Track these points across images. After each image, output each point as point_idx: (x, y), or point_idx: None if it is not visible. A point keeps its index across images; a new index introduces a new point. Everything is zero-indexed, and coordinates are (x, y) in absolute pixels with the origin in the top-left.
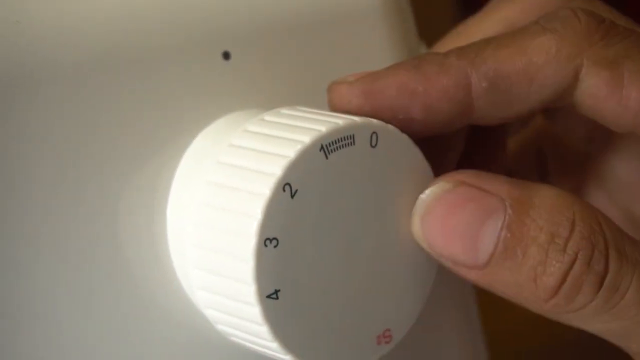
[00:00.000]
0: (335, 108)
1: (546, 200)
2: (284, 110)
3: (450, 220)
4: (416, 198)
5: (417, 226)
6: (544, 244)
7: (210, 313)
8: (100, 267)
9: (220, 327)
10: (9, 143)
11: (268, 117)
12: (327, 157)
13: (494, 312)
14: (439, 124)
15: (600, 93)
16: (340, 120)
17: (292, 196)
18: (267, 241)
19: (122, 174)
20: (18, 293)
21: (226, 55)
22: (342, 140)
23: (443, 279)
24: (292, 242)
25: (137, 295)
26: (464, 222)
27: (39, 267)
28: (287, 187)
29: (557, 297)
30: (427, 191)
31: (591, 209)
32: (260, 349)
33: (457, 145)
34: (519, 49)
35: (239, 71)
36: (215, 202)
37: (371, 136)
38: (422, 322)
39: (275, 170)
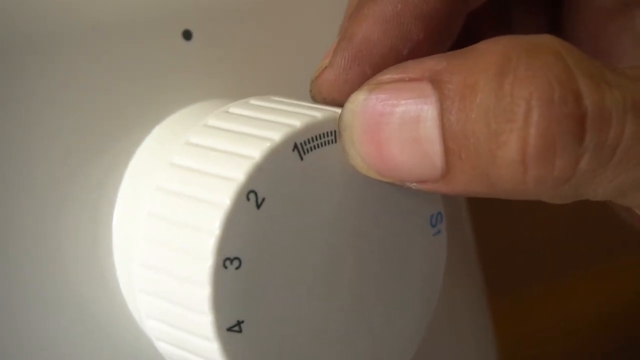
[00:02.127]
0: (330, 99)
1: (481, 58)
2: (254, 101)
3: (382, 135)
4: (413, 205)
5: (354, 157)
6: (487, 111)
7: (162, 347)
8: (37, 288)
9: None
10: None
11: (234, 109)
12: (301, 158)
13: (511, 324)
14: (441, 26)
15: None
16: (318, 112)
17: (258, 206)
18: (227, 262)
19: (60, 178)
20: None
21: (187, 35)
22: (320, 138)
23: (454, 281)
24: (258, 263)
25: (79, 322)
26: (397, 131)
27: None
28: (251, 196)
29: (530, 170)
30: (342, 111)
31: (542, 41)
32: None
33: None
34: None
35: (201, 54)
36: (165, 213)
37: None
38: (430, 335)
39: (237, 174)
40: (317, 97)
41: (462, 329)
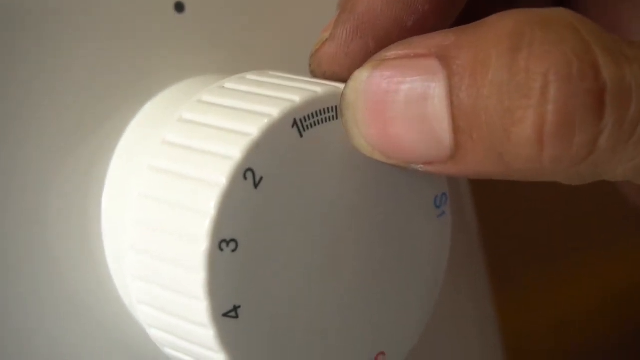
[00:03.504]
0: (331, 73)
1: (491, 32)
2: (250, 76)
3: (387, 114)
4: (418, 185)
5: (357, 138)
6: (500, 87)
7: (154, 333)
8: (23, 271)
9: (167, 350)
10: None
11: (229, 84)
12: (301, 135)
13: (514, 311)
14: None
15: None
16: (318, 87)
17: (256, 186)
18: (223, 244)
19: (46, 159)
20: None
21: (179, 7)
22: (321, 114)
23: (458, 271)
24: (256, 246)
25: (68, 307)
26: (403, 110)
27: None
28: (249, 174)
29: (547, 148)
30: (344, 89)
31: (555, 14)
32: None
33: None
34: None
35: (194, 27)
36: (158, 194)
37: None
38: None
39: (233, 152)
40: (317, 71)
41: (465, 318)
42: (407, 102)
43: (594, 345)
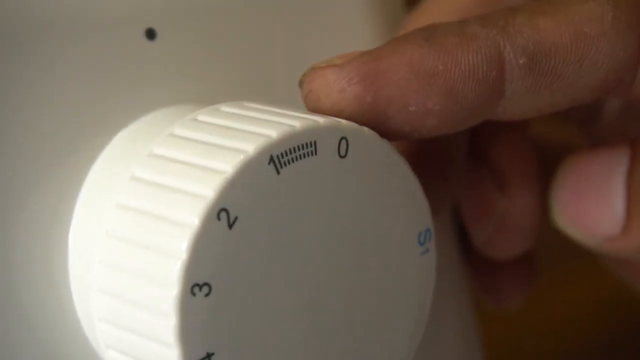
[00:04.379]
0: (319, 102)
1: None
2: (224, 108)
3: (581, 187)
4: (401, 223)
5: (557, 213)
6: None
7: None
8: None
9: None
10: None
11: (202, 116)
12: (278, 172)
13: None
14: (459, 115)
15: None
16: (296, 121)
17: (230, 226)
18: (196, 288)
19: (10, 191)
20: None
21: (150, 34)
22: (299, 150)
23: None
24: (230, 289)
25: (35, 351)
26: (591, 184)
27: None
28: (222, 214)
29: None
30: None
31: None
32: None
33: (462, 144)
34: (564, 16)
35: (166, 54)
36: (127, 233)
37: (339, 143)
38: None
39: (206, 191)
40: (305, 87)
41: (449, 350)
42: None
43: (595, 346)
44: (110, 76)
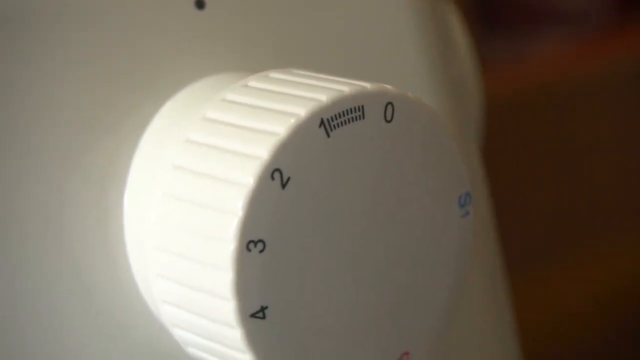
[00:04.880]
0: None
1: None
2: (274, 74)
3: None
4: (442, 185)
5: None
6: None
7: (178, 333)
8: (42, 272)
9: (191, 350)
10: None
11: (253, 82)
12: (328, 135)
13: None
14: None
15: None
16: (345, 86)
17: (283, 186)
18: (251, 244)
19: (65, 159)
20: None
21: (200, 4)
22: (348, 113)
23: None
24: (283, 246)
25: (89, 307)
26: None
27: None
28: (276, 175)
29: None
30: None
31: None
32: None
33: None
34: None
35: (215, 23)
36: (183, 193)
37: (385, 108)
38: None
39: (261, 152)
40: None
41: (483, 317)
42: None
43: (602, 337)
44: (161, 44)
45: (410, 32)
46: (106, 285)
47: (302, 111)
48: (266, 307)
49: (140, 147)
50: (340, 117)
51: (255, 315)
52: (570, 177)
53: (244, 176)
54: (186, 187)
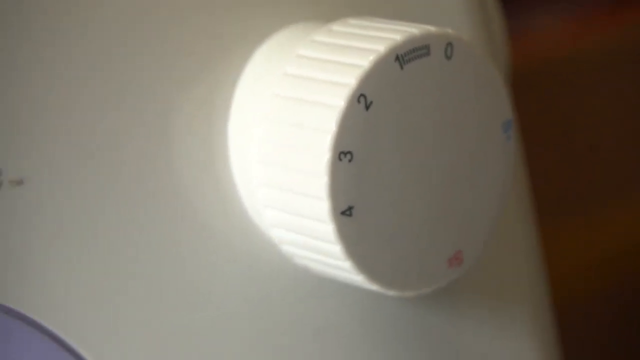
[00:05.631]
0: None
1: None
2: (353, 20)
3: None
4: (489, 113)
5: None
6: None
7: (276, 232)
8: (153, 187)
9: (285, 247)
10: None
11: (336, 27)
12: (402, 68)
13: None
14: None
15: None
16: (414, 29)
17: (367, 108)
18: (342, 155)
19: (178, 85)
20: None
21: None
22: (417, 51)
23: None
24: (367, 157)
25: (194, 215)
26: None
27: (89, 186)
28: (361, 99)
29: None
30: None
31: None
32: (329, 269)
33: None
34: None
35: None
36: (284, 116)
37: (446, 47)
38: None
39: (349, 80)
40: None
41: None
42: None
43: (633, 284)
44: None
45: None
46: (212, 201)
47: (381, 48)
48: (352, 207)
49: (242, 79)
50: (411, 53)
51: (344, 213)
52: (571, 157)
53: (336, 100)
54: (286, 111)
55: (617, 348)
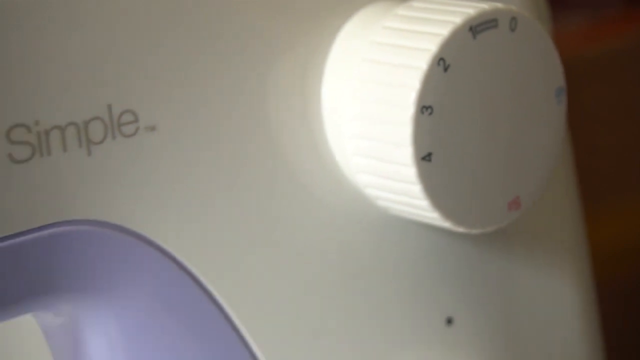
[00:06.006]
0: None
1: None
2: None
3: None
4: (545, 79)
5: None
6: None
7: (363, 178)
8: (252, 147)
9: (369, 190)
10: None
11: (417, 3)
12: (474, 37)
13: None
14: None
15: None
16: (485, 5)
17: (445, 70)
18: (424, 109)
19: (274, 53)
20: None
21: None
22: (487, 23)
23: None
24: (444, 111)
25: (290, 169)
26: None
27: (191, 156)
28: (441, 62)
29: None
30: None
31: None
32: (408, 208)
33: None
34: None
35: None
36: (373, 77)
37: (511, 21)
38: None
39: (430, 46)
40: None
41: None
42: None
43: (633, 283)
44: None
45: None
46: (307, 153)
47: (457, 19)
48: (431, 153)
49: (334, 47)
50: (482, 25)
51: (424, 158)
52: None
53: (419, 62)
54: (375, 72)
55: (618, 348)
